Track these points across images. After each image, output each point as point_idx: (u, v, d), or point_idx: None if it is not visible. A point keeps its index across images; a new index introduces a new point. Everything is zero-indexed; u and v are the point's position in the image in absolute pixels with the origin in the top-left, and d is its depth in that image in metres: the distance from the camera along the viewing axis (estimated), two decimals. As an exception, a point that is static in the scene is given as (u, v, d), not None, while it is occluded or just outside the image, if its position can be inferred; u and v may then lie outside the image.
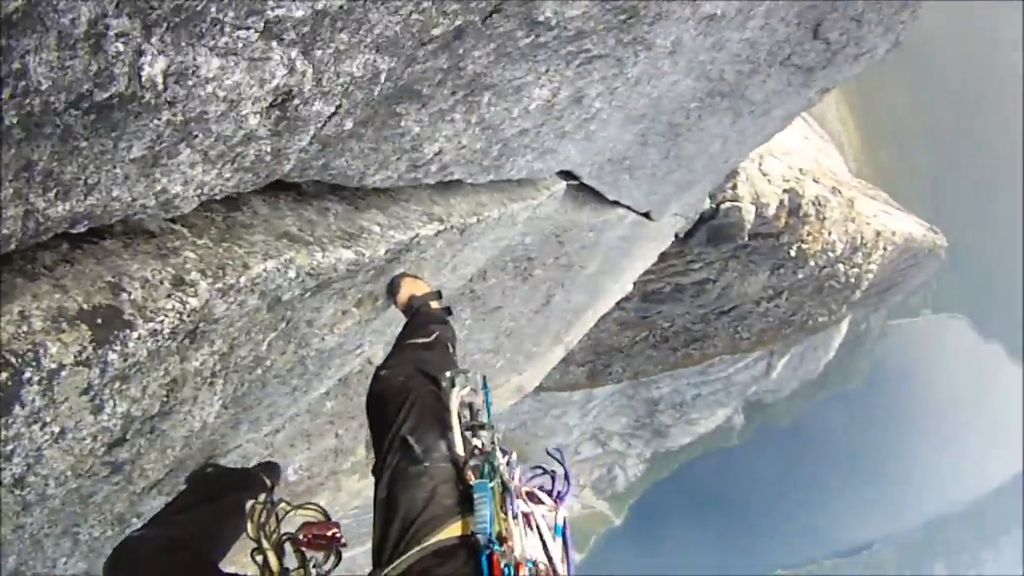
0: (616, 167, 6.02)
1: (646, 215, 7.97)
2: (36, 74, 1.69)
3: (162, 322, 2.35)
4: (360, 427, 6.24)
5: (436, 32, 2.62)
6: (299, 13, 2.14)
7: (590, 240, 7.20)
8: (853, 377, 56.26)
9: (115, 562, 2.82)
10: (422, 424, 2.72)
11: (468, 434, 2.74)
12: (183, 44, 1.97)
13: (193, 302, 2.43)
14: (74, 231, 2.20)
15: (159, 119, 2.07)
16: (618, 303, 13.28)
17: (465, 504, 2.45)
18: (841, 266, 15.47)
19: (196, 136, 2.25)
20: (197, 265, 2.53)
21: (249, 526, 3.09)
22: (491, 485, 2.43)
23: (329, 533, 2.77)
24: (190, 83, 2.05)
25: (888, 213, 17.27)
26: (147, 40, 1.87)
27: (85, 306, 2.20)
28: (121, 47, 1.81)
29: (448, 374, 2.91)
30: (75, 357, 2.11)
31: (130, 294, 2.31)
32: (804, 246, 14.43)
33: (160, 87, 1.99)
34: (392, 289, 3.77)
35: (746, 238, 13.27)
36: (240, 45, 2.10)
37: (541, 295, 7.53)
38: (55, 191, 2.01)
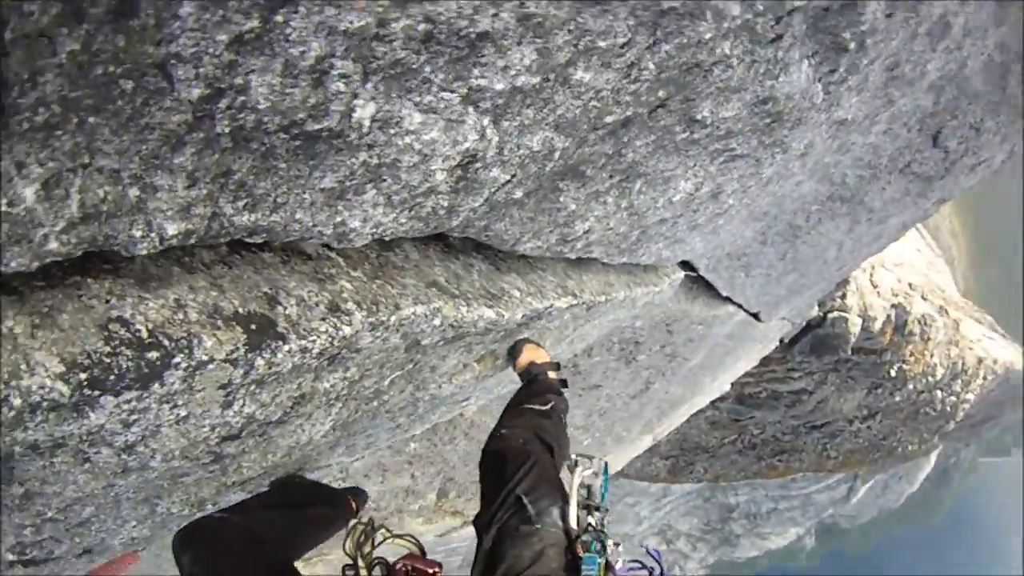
0: (733, 263, 6.04)
1: (755, 315, 7.92)
2: (256, 93, 1.87)
3: (314, 342, 2.45)
4: (437, 474, 6.32)
5: (608, 120, 2.75)
6: (499, 86, 2.29)
7: (698, 333, 7.19)
8: (935, 513, 54.08)
9: (192, 536, 2.85)
10: (538, 488, 2.77)
11: (583, 512, 2.81)
12: (393, 95, 2.12)
13: (346, 330, 2.54)
14: (249, 240, 2.34)
15: (356, 158, 2.23)
16: (713, 401, 13.18)
17: (570, 572, 2.54)
18: (939, 392, 15.07)
19: (385, 180, 2.40)
20: (353, 296, 2.64)
21: (348, 543, 3.13)
22: (599, 561, 2.53)
23: (430, 571, 2.79)
24: (391, 131, 2.21)
25: (992, 339, 16.78)
26: (364, 85, 2.03)
27: (240, 310, 2.32)
28: (342, 87, 1.99)
29: (575, 456, 3.01)
30: (226, 355, 2.23)
31: (285, 309, 2.43)
32: (905, 367, 14.11)
33: (365, 129, 2.15)
34: (514, 352, 3.85)
35: (849, 352, 13.06)
36: (442, 105, 2.25)
37: (641, 381, 7.53)
38: (245, 201, 2.16)
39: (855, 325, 12.53)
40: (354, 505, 4.03)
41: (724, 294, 6.73)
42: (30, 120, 1.59)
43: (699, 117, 3.04)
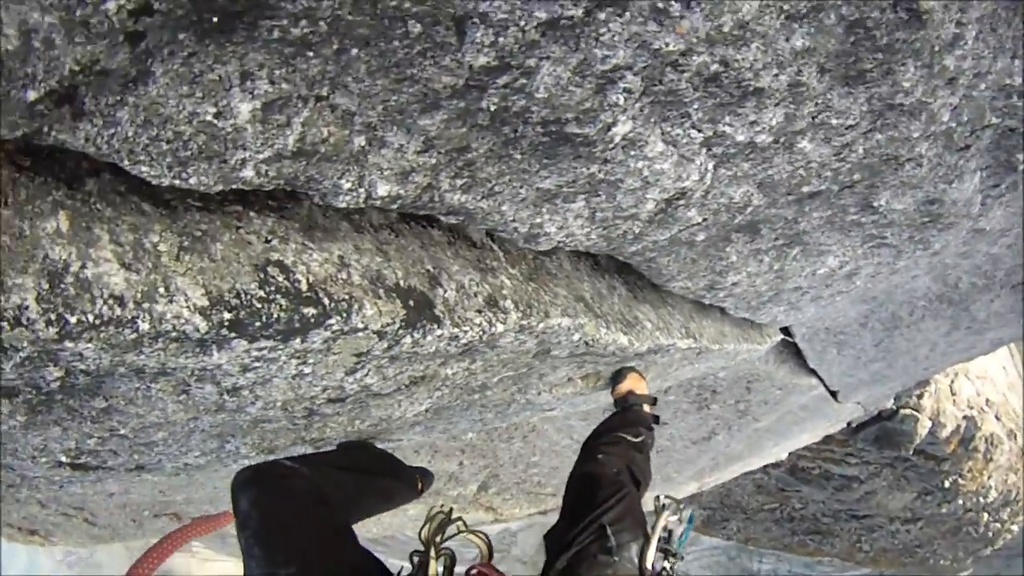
0: (829, 338, 6.01)
1: (834, 393, 7.87)
2: (540, 81, 1.84)
3: (466, 332, 2.42)
4: (484, 467, 6.35)
5: (804, 189, 2.79)
6: (740, 138, 2.33)
7: (774, 397, 7.16)
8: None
9: (260, 479, 2.78)
10: (622, 521, 2.77)
11: (659, 555, 2.80)
12: (652, 120, 2.14)
13: (500, 327, 2.52)
14: (447, 218, 2.34)
15: (588, 168, 2.23)
16: (766, 466, 13.08)
17: None
18: (986, 515, 14.76)
19: (599, 196, 2.41)
20: (512, 295, 2.62)
21: (425, 530, 3.03)
22: None
23: None
24: (631, 153, 2.22)
25: (1051, 476, 16.48)
26: (635, 104, 2.03)
27: (402, 283, 2.27)
28: (620, 100, 1.98)
29: (664, 498, 3.02)
30: (381, 326, 2.18)
31: (445, 292, 2.39)
32: (961, 481, 13.85)
33: (612, 145, 2.15)
34: (618, 377, 3.84)
35: (911, 451, 12.91)
36: (684, 141, 2.28)
37: (706, 429, 7.50)
38: (464, 181, 2.14)
39: (924, 427, 12.36)
40: (420, 485, 4.01)
41: (811, 366, 6.70)
42: (284, 30, 1.53)
43: (875, 204, 3.08)
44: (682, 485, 9.77)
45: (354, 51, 1.64)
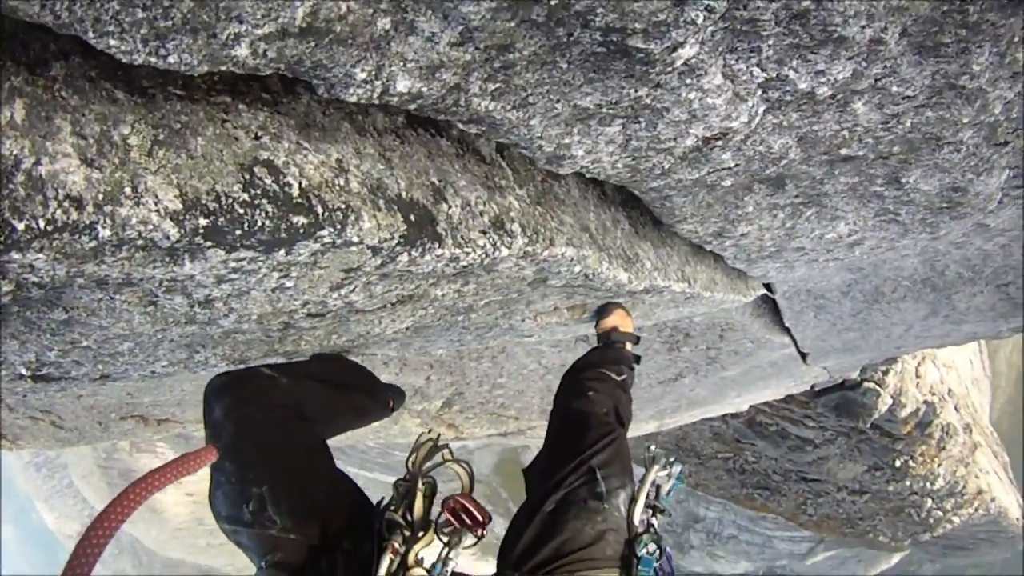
0: (809, 300, 5.99)
1: (803, 355, 7.92)
2: None
3: (468, 254, 2.29)
4: (451, 384, 6.26)
5: (841, 151, 2.72)
6: (801, 86, 2.23)
7: (745, 349, 7.17)
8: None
9: (235, 387, 2.67)
10: (612, 465, 2.72)
11: (647, 511, 2.75)
12: (720, 48, 2.01)
13: (504, 252, 2.40)
14: (467, 127, 2.18)
15: (637, 90, 2.08)
16: (725, 415, 13.19)
17: (623, 563, 2.50)
18: (930, 501, 14.97)
19: (639, 122, 2.27)
20: (519, 218, 2.50)
21: (413, 458, 2.89)
22: (655, 565, 2.52)
23: (481, 519, 2.54)
24: (688, 80, 2.08)
25: (999, 477, 16.63)
26: (712, 23, 1.89)
27: (404, 195, 2.12)
28: (698, 19, 1.81)
29: (654, 449, 2.97)
30: (378, 241, 2.02)
31: (449, 208, 2.25)
32: (911, 463, 14.01)
33: (671, 68, 1.99)
34: (603, 312, 3.75)
35: (867, 425, 13.03)
36: (744, 79, 2.17)
37: (674, 371, 7.50)
38: (497, 87, 1.98)
39: (884, 403, 12.44)
40: (391, 404, 3.93)
41: (787, 324, 6.69)
42: None
43: (903, 180, 3.04)
44: (642, 423, 9.82)
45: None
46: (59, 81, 1.54)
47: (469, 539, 2.48)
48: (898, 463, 14.06)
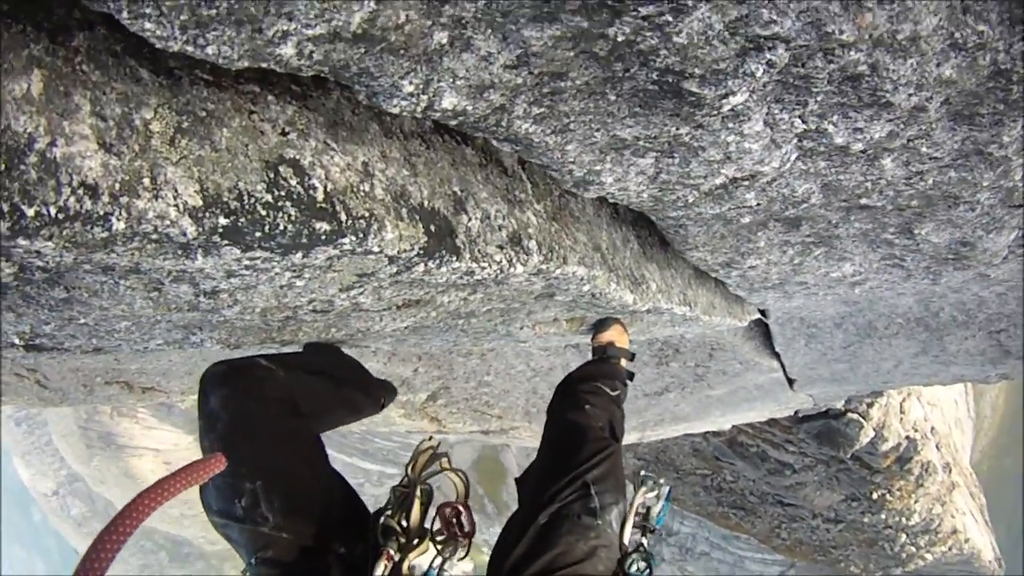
0: (801, 328, 6.01)
1: (791, 381, 7.94)
2: (687, 25, 1.67)
3: (483, 268, 2.28)
4: (438, 378, 6.26)
5: (861, 200, 2.75)
6: (837, 140, 2.25)
7: (733, 370, 7.17)
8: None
9: (233, 377, 2.63)
10: (607, 482, 2.72)
11: (637, 532, 2.80)
12: (767, 98, 2.02)
13: (519, 269, 2.39)
14: (500, 145, 2.17)
15: (678, 128, 2.10)
16: (707, 432, 13.19)
17: None
18: (904, 536, 15.00)
19: (672, 158, 2.28)
20: (536, 234, 2.48)
21: (413, 466, 2.87)
22: None
23: (468, 528, 2.58)
24: (730, 125, 2.09)
25: (975, 519, 16.67)
26: (768, 77, 1.90)
27: (426, 203, 2.09)
28: (757, 72, 1.84)
29: (643, 473, 2.98)
30: (396, 252, 2.00)
31: (469, 220, 2.23)
32: (888, 497, 14.05)
33: (716, 112, 2.00)
34: (601, 326, 3.75)
35: (848, 455, 13.07)
36: (784, 128, 2.18)
37: (660, 385, 7.50)
38: (541, 111, 1.97)
39: (866, 435, 12.46)
40: (382, 400, 3.87)
41: (777, 349, 6.70)
42: None
43: (915, 231, 3.07)
44: (624, 434, 9.80)
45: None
46: (81, 53, 1.47)
47: (461, 551, 2.51)
48: (875, 495, 14.09)
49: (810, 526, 16.02)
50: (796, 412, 11.71)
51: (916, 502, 14.29)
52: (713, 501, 16.53)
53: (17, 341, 2.33)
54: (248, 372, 2.70)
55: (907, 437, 13.28)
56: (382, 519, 2.54)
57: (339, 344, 3.27)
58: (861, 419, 12.38)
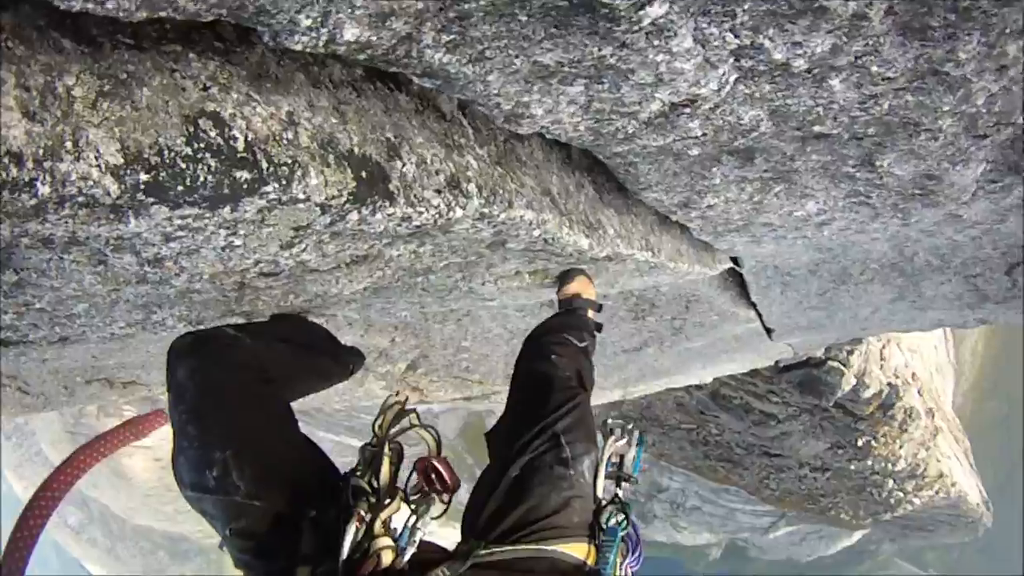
0: (775, 276, 6.00)
1: (769, 331, 7.94)
2: None
3: (420, 214, 2.24)
4: (416, 347, 6.24)
5: (815, 128, 2.68)
6: (776, 56, 2.18)
7: (710, 321, 7.18)
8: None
9: (199, 347, 2.62)
10: (577, 431, 2.71)
11: (611, 482, 2.80)
12: (691, 9, 1.94)
13: (458, 212, 2.35)
14: (421, 81, 2.12)
15: (600, 49, 2.03)
16: (689, 386, 13.27)
17: (591, 532, 2.52)
18: (891, 482, 15.18)
19: (603, 83, 2.22)
20: (476, 178, 2.42)
21: (379, 423, 2.80)
22: (621, 534, 2.51)
23: (450, 482, 2.52)
24: (655, 42, 2.02)
25: (960, 463, 16.90)
26: None
27: (356, 150, 2.05)
28: None
29: (610, 422, 2.95)
30: (326, 198, 1.97)
31: (404, 166, 2.18)
32: (873, 444, 14.18)
33: (637, 27, 1.93)
34: (565, 278, 3.68)
35: (831, 403, 13.16)
36: (716, 44, 2.10)
37: (638, 340, 7.50)
38: (452, 38, 1.92)
39: (848, 383, 12.56)
40: (351, 366, 3.81)
41: (753, 299, 6.70)
42: None
43: (876, 163, 3.00)
44: (607, 391, 9.84)
45: None
46: (6, 31, 1.48)
47: (437, 507, 2.46)
48: (860, 442, 14.24)
49: (798, 475, 16.20)
50: (777, 362, 11.78)
51: (901, 447, 14.44)
52: (700, 455, 16.70)
53: (-19, 338, 2.32)
54: (214, 341, 2.68)
55: (889, 384, 13.40)
56: (352, 480, 2.49)
57: (305, 313, 3.24)
58: (842, 367, 12.49)
